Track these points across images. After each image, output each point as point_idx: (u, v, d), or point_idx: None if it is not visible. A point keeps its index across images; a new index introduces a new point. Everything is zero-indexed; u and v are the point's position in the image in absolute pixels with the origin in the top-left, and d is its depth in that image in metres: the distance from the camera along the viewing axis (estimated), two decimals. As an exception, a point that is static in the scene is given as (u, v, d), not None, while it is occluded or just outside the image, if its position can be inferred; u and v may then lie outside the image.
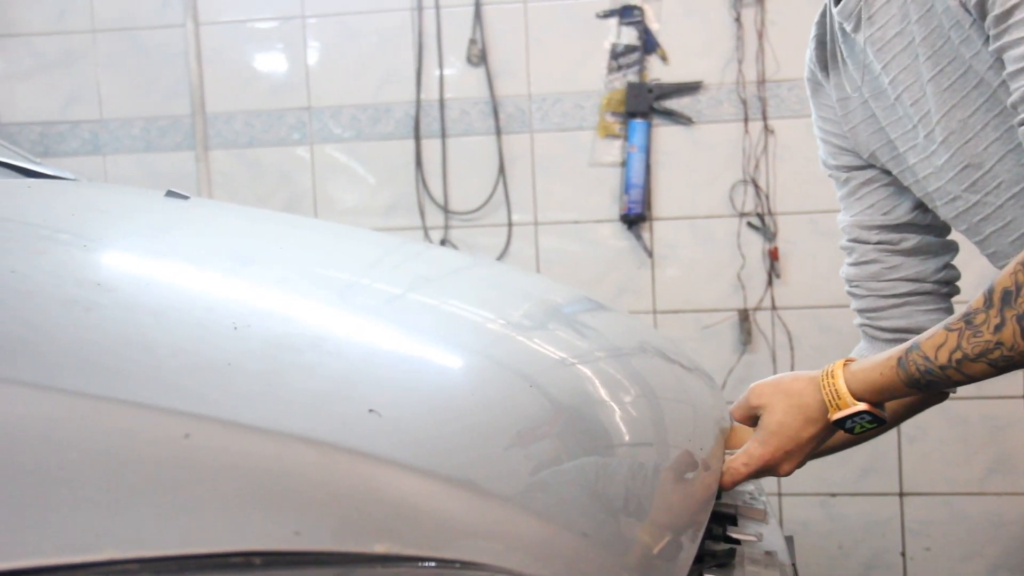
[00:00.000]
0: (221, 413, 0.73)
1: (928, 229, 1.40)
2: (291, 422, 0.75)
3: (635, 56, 2.80)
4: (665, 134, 2.80)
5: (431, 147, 2.89)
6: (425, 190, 2.89)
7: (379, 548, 0.70)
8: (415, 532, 0.71)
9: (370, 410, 0.80)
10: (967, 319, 1.08)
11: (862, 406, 1.15)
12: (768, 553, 1.29)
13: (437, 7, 2.86)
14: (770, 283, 2.75)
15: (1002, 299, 1.04)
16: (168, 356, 0.80)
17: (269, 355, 0.85)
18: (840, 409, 1.17)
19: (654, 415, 1.15)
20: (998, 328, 1.05)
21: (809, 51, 1.42)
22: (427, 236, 2.88)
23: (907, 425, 2.73)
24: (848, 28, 1.27)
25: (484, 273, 1.57)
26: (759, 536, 1.35)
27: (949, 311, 1.43)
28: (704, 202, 2.78)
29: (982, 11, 1.09)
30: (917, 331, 1.35)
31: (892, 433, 2.75)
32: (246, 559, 0.66)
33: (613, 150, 2.82)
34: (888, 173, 1.37)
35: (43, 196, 1.31)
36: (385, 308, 1.08)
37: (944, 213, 1.31)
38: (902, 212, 1.38)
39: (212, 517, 0.66)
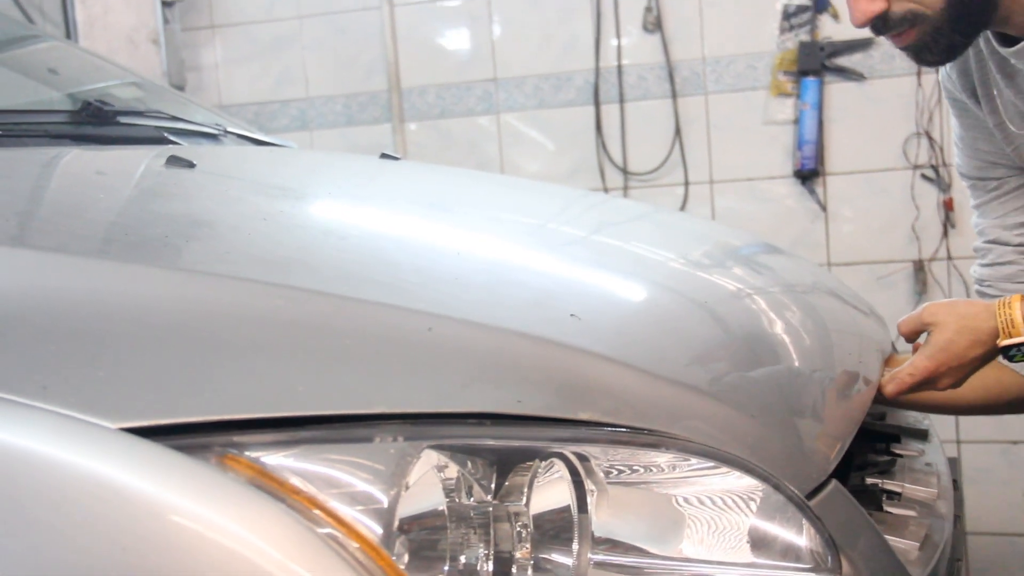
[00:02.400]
0: (454, 313, 0.93)
1: None
2: (509, 321, 0.94)
3: (807, 15, 2.88)
4: (837, 91, 2.87)
5: (610, 112, 3.05)
6: (605, 153, 3.05)
7: (583, 415, 0.88)
8: (612, 404, 0.89)
9: (571, 314, 0.98)
10: None
11: None
12: (928, 464, 1.41)
13: (613, -22, 3.01)
14: (945, 234, 2.80)
15: None
16: (409, 271, 1.00)
17: (488, 271, 1.04)
18: (1011, 336, 1.26)
19: (817, 334, 1.29)
20: None
21: (946, 75, 1.49)
22: (607, 196, 3.04)
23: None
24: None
25: (663, 219, 1.73)
26: (920, 452, 1.47)
27: None
28: (877, 156, 2.85)
29: None
30: None
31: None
32: (479, 420, 0.85)
33: (786, 108, 2.91)
34: None
35: (285, 159, 1.54)
36: (579, 242, 1.26)
37: None
38: None
39: (453, 387, 0.86)
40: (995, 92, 1.44)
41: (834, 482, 0.99)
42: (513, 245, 1.17)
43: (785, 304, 1.33)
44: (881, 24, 1.27)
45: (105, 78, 2.22)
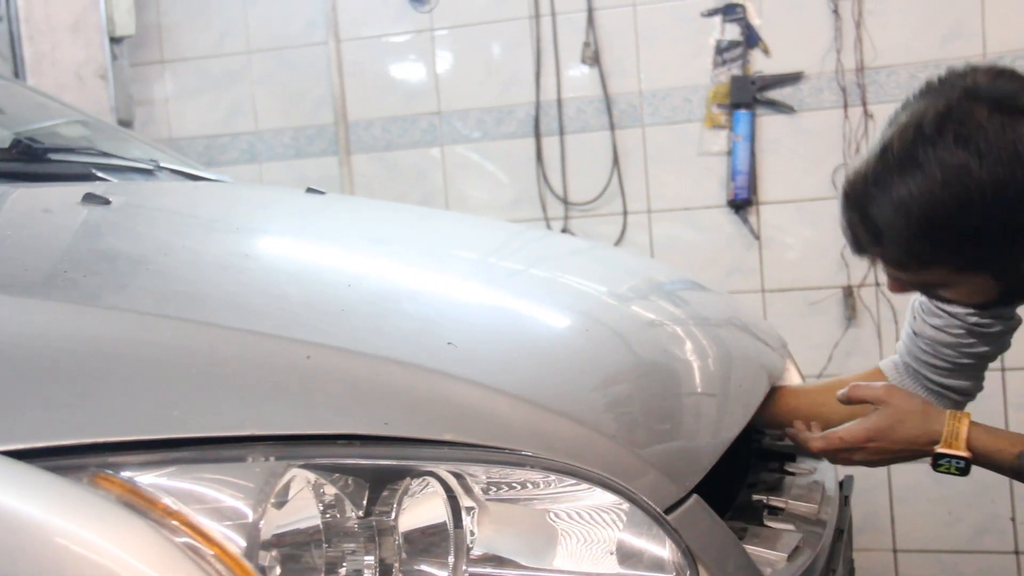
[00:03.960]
0: (334, 342, 0.99)
1: (1011, 321, 1.52)
2: (387, 349, 1.01)
3: (738, 51, 2.98)
4: (769, 123, 2.97)
5: (551, 144, 3.13)
6: (546, 184, 3.13)
7: (447, 436, 0.94)
8: (474, 426, 0.96)
9: (448, 343, 1.05)
10: None
11: (965, 454, 1.32)
12: (816, 482, 1.48)
13: (553, 14, 3.10)
14: (873, 261, 2.88)
15: None
16: (297, 304, 1.07)
17: (374, 302, 1.11)
18: (950, 447, 1.34)
19: (699, 361, 1.36)
20: None
21: None
22: (549, 226, 3.12)
23: (1012, 394, 2.83)
24: None
25: (565, 248, 1.80)
26: (812, 471, 1.54)
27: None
28: (807, 186, 2.94)
29: None
30: (950, 390, 1.52)
31: (998, 402, 2.85)
32: (348, 441, 0.92)
33: (720, 140, 3.01)
34: None
35: (206, 194, 1.61)
36: (472, 269, 1.34)
37: None
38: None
39: (325, 410, 0.92)
40: None
41: (695, 497, 1.06)
42: (404, 277, 1.24)
43: (673, 333, 1.41)
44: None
45: (50, 116, 2.28)
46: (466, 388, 0.98)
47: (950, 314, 1.51)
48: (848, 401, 1.45)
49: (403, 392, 0.96)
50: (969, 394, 1.57)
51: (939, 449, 1.34)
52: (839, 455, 1.43)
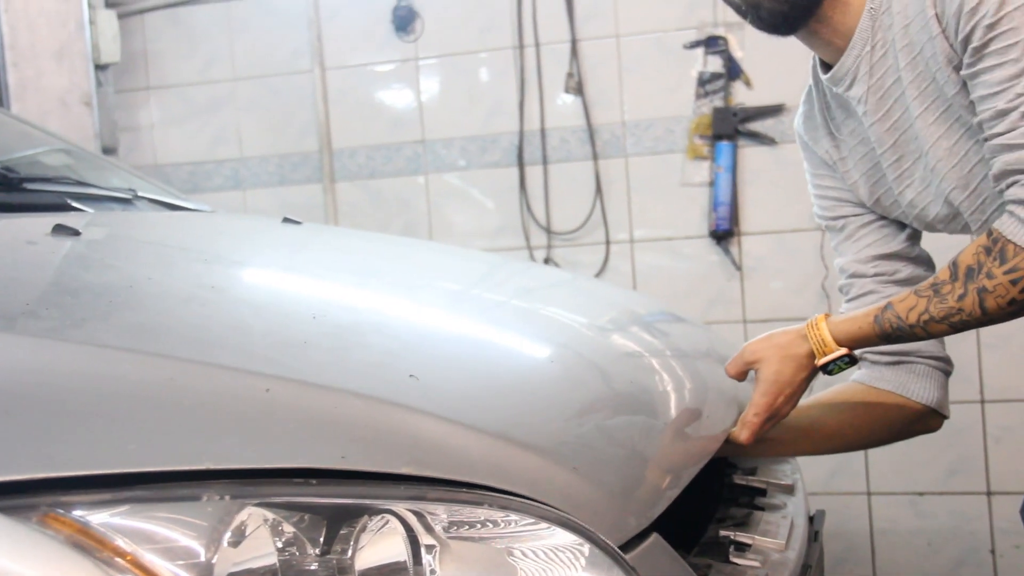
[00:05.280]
0: (294, 375, 0.99)
1: (917, 260, 1.57)
2: (348, 382, 1.01)
3: (720, 83, 3.00)
4: (750, 154, 2.98)
5: (534, 173, 3.14)
6: (529, 213, 3.14)
7: (405, 469, 0.94)
8: (432, 459, 0.96)
9: (410, 375, 1.05)
10: (935, 288, 1.30)
11: (843, 351, 1.37)
12: (785, 518, 1.48)
13: (537, 45, 3.12)
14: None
15: (966, 274, 1.27)
16: (259, 336, 1.07)
17: (337, 335, 1.11)
18: (825, 355, 1.38)
19: (668, 393, 1.37)
20: (961, 297, 1.28)
21: (798, 121, 1.60)
22: (531, 255, 3.13)
23: (992, 426, 2.84)
24: (841, 89, 1.45)
25: (539, 282, 1.81)
26: (782, 505, 1.54)
27: None
28: (789, 217, 2.95)
29: (965, 45, 1.28)
30: (915, 353, 1.55)
31: (978, 435, 2.86)
32: (305, 479, 0.92)
33: (702, 171, 3.02)
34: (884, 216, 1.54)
35: (180, 224, 1.61)
36: (444, 301, 1.34)
37: (950, 232, 1.49)
38: (896, 244, 1.55)
39: (282, 444, 0.92)
40: (834, 130, 1.53)
41: (654, 536, 1.06)
42: (372, 309, 1.24)
43: (645, 364, 1.41)
44: None
45: (32, 144, 2.28)
46: (425, 421, 0.98)
47: (855, 275, 1.56)
48: (738, 380, 1.49)
49: (361, 425, 0.96)
50: (940, 358, 1.58)
51: (819, 362, 1.39)
52: (766, 426, 1.44)
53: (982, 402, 2.85)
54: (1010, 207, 1.25)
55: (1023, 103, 1.22)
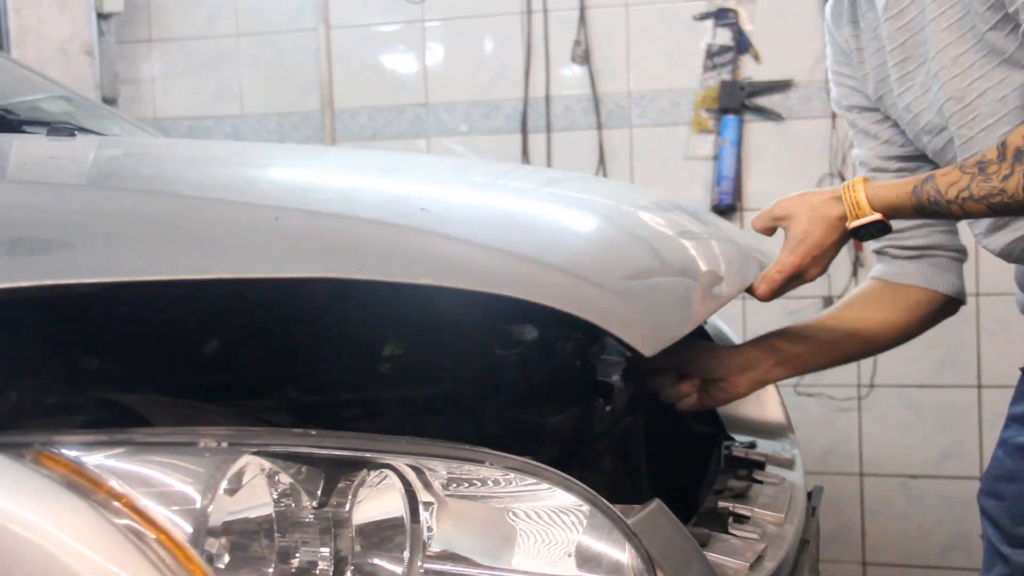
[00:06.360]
0: (303, 206, 0.98)
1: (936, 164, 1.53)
2: (360, 213, 0.99)
3: (729, 56, 2.96)
4: (756, 129, 2.96)
5: (537, 141, 3.11)
6: (531, 181, 3.12)
7: (423, 280, 0.90)
8: (452, 272, 0.92)
9: (422, 208, 1.03)
10: (980, 166, 1.25)
11: (877, 216, 1.31)
12: (783, 491, 1.47)
13: (545, 11, 3.08)
14: (854, 272, 2.88)
15: (1015, 155, 1.22)
16: (266, 182, 1.07)
17: (345, 181, 1.12)
18: (858, 218, 1.33)
19: (684, 232, 1.38)
20: (1006, 178, 1.23)
21: (828, 8, 1.57)
22: (531, 223, 3.11)
23: (988, 412, 2.83)
24: None
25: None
26: (781, 480, 1.53)
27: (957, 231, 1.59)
28: (792, 193, 2.92)
29: None
30: (937, 247, 1.54)
31: (973, 420, 2.85)
32: (304, 430, 0.90)
33: (707, 144, 3.00)
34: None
35: (186, 143, 1.63)
36: (464, 187, 1.35)
37: (931, 148, 1.47)
38: (913, 147, 1.51)
39: (295, 258, 0.90)
40: (859, 18, 1.50)
41: (656, 502, 1.04)
42: (380, 167, 1.25)
43: (672, 219, 1.41)
44: None
45: (33, 90, 2.25)
46: (442, 240, 0.96)
47: (879, 170, 1.53)
48: (760, 231, 1.46)
49: (377, 243, 0.93)
50: (959, 249, 1.58)
51: (850, 225, 1.34)
52: (789, 286, 1.42)
53: (979, 387, 2.84)
54: None
55: None
